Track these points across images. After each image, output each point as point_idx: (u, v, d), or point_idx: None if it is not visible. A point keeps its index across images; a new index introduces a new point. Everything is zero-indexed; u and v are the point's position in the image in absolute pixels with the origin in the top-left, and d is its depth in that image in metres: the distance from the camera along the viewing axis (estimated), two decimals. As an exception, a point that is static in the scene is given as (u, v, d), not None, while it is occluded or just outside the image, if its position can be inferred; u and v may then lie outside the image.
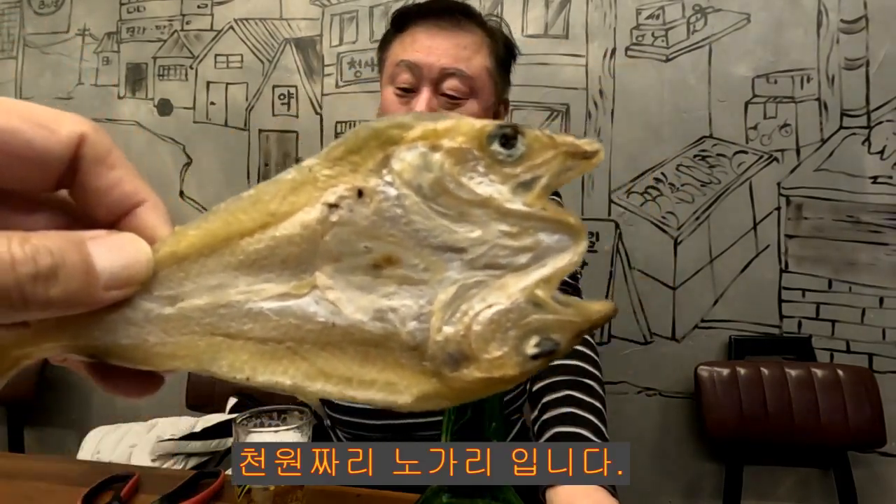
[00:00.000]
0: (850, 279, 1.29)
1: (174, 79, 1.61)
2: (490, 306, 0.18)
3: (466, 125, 0.19)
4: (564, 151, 0.19)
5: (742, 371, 1.21)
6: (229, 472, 0.65)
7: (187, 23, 1.61)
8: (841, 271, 1.29)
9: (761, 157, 1.33)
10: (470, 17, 0.82)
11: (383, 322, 0.19)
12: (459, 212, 0.19)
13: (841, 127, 1.30)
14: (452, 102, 0.79)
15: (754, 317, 1.32)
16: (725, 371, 1.22)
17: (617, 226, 1.37)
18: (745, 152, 1.33)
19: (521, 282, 0.18)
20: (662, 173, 1.36)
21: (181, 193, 1.60)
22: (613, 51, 1.39)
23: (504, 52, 0.86)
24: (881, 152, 1.29)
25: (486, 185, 0.19)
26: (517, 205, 0.18)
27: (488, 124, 0.19)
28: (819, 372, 1.20)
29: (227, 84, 1.58)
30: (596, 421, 0.66)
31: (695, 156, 1.35)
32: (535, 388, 0.70)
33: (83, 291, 0.17)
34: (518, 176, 0.19)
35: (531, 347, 0.18)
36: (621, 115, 1.38)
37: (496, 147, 0.18)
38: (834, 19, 1.30)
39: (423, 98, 0.77)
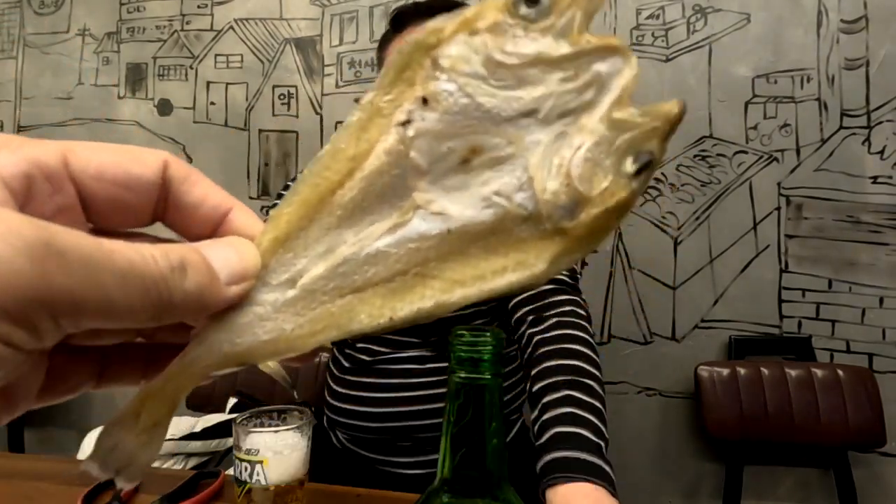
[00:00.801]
0: (850, 279, 1.29)
1: (174, 79, 1.61)
2: (579, 147, 0.19)
3: (490, 3, 0.19)
4: None
5: (742, 371, 1.21)
6: (229, 472, 0.65)
7: (187, 23, 1.61)
8: (841, 271, 1.29)
9: (761, 157, 1.33)
10: None
11: (492, 207, 0.19)
12: (517, 78, 0.19)
13: (841, 127, 1.30)
14: None
15: (754, 317, 1.32)
16: (725, 371, 1.22)
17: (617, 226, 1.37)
18: (746, 152, 1.33)
19: (596, 114, 0.19)
20: (662, 173, 1.36)
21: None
22: (613, 51, 1.39)
23: None
24: (881, 152, 1.29)
25: (530, 45, 0.19)
26: (564, 49, 0.19)
27: None
28: (819, 372, 1.20)
29: (227, 84, 1.58)
30: (596, 421, 0.66)
31: (695, 156, 1.35)
32: (535, 389, 0.70)
33: (211, 286, 0.18)
34: (554, 25, 0.19)
35: (630, 165, 0.18)
36: (621, 115, 1.38)
37: (524, 10, 0.19)
38: (834, 19, 1.30)
39: None
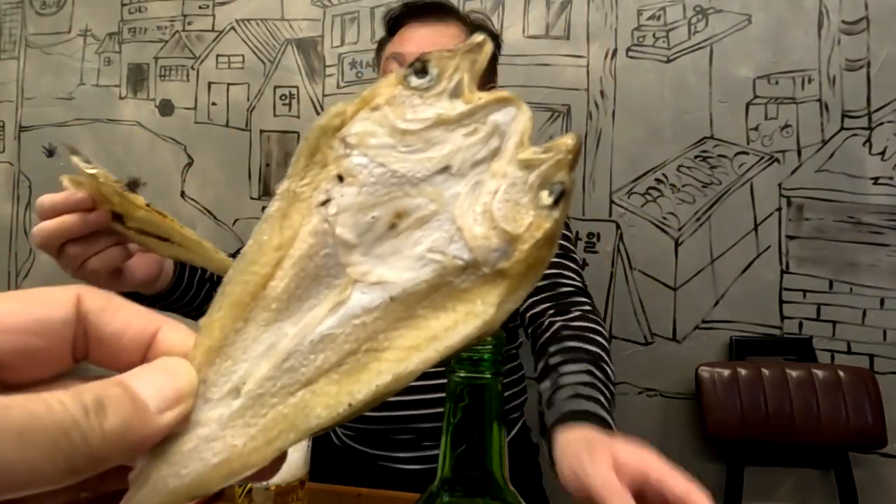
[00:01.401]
0: (850, 280, 1.29)
1: (175, 79, 1.61)
2: (496, 191, 0.20)
3: (385, 80, 0.21)
4: (464, 52, 0.21)
5: (743, 372, 1.21)
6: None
7: (189, 23, 1.61)
8: (842, 272, 1.29)
9: (762, 157, 1.33)
10: (451, 13, 0.90)
11: (429, 264, 0.19)
12: (424, 141, 0.20)
13: (842, 128, 1.30)
14: None
15: (755, 317, 1.32)
16: (726, 372, 1.22)
17: (618, 226, 1.37)
18: (746, 153, 1.33)
19: (504, 159, 0.20)
20: (663, 174, 1.36)
21: (182, 194, 1.60)
22: (614, 51, 1.39)
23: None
24: (882, 153, 1.29)
25: (428, 110, 0.20)
26: (460, 108, 0.20)
27: (399, 70, 0.21)
28: (820, 373, 1.19)
29: (229, 84, 1.58)
30: (607, 399, 0.66)
31: (696, 156, 1.35)
32: (552, 361, 0.71)
33: (137, 419, 0.16)
34: (445, 89, 0.20)
35: (547, 198, 0.19)
36: (622, 115, 1.38)
37: (415, 81, 0.20)
38: (835, 20, 1.30)
39: None
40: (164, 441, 0.18)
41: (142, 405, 0.17)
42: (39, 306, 0.18)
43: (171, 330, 0.19)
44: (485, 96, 0.20)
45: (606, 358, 0.72)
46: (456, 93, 0.20)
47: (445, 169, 0.20)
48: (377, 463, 0.86)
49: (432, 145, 0.20)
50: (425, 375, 0.71)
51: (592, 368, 0.69)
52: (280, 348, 0.19)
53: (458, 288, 0.19)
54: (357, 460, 0.88)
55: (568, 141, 0.19)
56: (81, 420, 0.15)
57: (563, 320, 0.76)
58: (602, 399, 0.64)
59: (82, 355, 0.19)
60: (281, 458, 0.19)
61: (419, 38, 0.85)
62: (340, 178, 0.20)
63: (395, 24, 0.90)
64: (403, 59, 0.83)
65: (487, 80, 0.95)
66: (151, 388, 0.17)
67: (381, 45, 0.95)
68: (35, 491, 0.14)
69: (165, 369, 0.18)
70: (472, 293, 0.19)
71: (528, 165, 0.20)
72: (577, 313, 0.77)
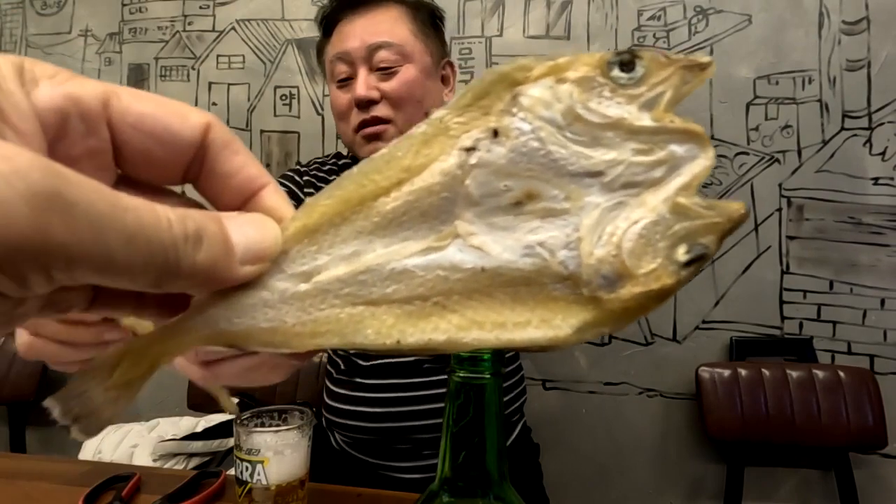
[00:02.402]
0: (851, 280, 1.29)
1: (176, 79, 1.62)
2: (636, 222, 0.18)
3: (586, 56, 0.19)
4: (681, 66, 0.19)
5: (743, 372, 1.21)
6: (231, 472, 0.65)
7: (189, 24, 1.61)
8: (842, 272, 1.29)
9: (762, 158, 1.33)
10: None
11: (532, 257, 0.18)
12: (592, 136, 0.19)
13: (842, 128, 1.30)
14: (388, 73, 0.81)
15: (755, 318, 1.32)
16: (726, 372, 1.22)
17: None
18: (747, 153, 1.33)
19: (661, 194, 0.18)
20: (663, 174, 1.36)
21: (183, 194, 1.60)
22: (615, 52, 1.39)
23: (427, 16, 0.87)
24: (882, 154, 1.29)
25: (614, 108, 0.19)
26: (646, 121, 0.19)
27: (607, 53, 0.19)
28: (820, 373, 1.19)
29: (229, 85, 1.58)
30: None
31: (696, 157, 1.35)
32: None
33: (224, 261, 0.17)
34: (642, 95, 0.19)
35: (682, 255, 0.18)
36: (622, 116, 1.38)
37: (617, 73, 0.19)
38: (835, 20, 1.30)
39: (360, 78, 0.80)
40: (232, 286, 0.18)
41: (230, 251, 0.17)
42: (175, 118, 0.18)
43: (275, 191, 0.20)
44: (678, 122, 0.19)
45: None
46: (651, 105, 0.19)
47: (598, 174, 0.19)
48: (377, 471, 0.86)
49: (599, 145, 0.19)
50: (423, 385, 0.71)
51: None
52: (363, 260, 0.19)
53: (548, 293, 0.19)
54: (356, 467, 0.88)
55: (736, 208, 0.18)
56: (181, 244, 0.16)
57: None
58: None
59: (192, 178, 0.19)
60: (312, 353, 0.20)
61: (359, 30, 0.81)
62: (495, 133, 0.19)
63: (329, 23, 0.86)
64: (350, 57, 0.80)
65: (441, 54, 0.93)
66: (243, 237, 0.18)
67: (320, 50, 0.89)
68: (117, 286, 0.15)
69: (259, 225, 0.18)
70: (557, 304, 0.19)
71: (681, 212, 0.18)
72: None
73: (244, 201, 0.20)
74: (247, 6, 1.57)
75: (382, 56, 0.80)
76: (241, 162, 0.19)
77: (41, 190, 0.13)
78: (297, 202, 0.87)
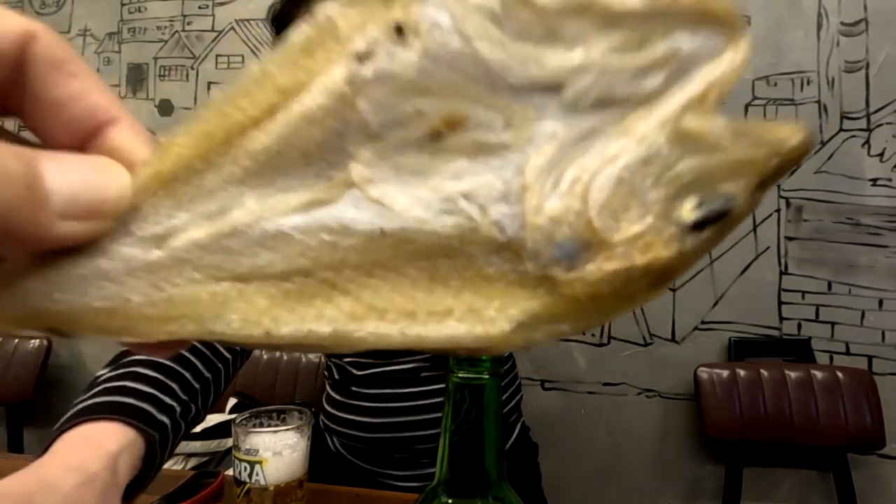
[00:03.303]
0: (849, 281, 1.29)
1: (175, 79, 1.61)
2: (614, 159, 0.12)
3: None
4: None
5: (742, 372, 1.21)
6: (229, 472, 0.65)
7: (188, 23, 1.61)
8: (840, 273, 1.29)
9: (761, 159, 1.33)
10: None
11: (454, 215, 0.13)
12: (546, 28, 0.12)
13: (841, 129, 1.30)
14: None
15: (754, 318, 1.32)
16: (725, 372, 1.22)
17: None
18: (745, 154, 1.34)
19: (656, 114, 0.12)
20: (662, 175, 1.36)
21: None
22: (614, 52, 1.39)
23: None
24: (881, 155, 1.29)
25: None
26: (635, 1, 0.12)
27: None
28: (818, 374, 1.20)
29: (229, 85, 1.58)
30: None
31: (695, 157, 1.35)
32: None
33: (26, 209, 0.12)
34: None
35: (689, 211, 0.12)
36: (621, 116, 1.38)
37: None
38: (834, 22, 1.31)
39: None
40: (56, 251, 0.14)
41: (40, 197, 0.13)
42: None
43: (127, 130, 0.15)
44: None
45: None
46: None
47: (556, 87, 0.12)
48: (374, 478, 0.86)
49: (556, 42, 0.12)
50: (420, 395, 0.69)
51: None
52: (229, 218, 0.14)
53: (478, 269, 0.13)
54: (354, 471, 0.87)
55: (786, 133, 0.12)
56: None
57: None
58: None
59: (13, 109, 0.14)
60: (169, 345, 0.15)
61: None
62: (399, 31, 0.13)
63: (280, 23, 0.76)
64: None
65: None
66: (66, 183, 0.13)
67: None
68: None
69: (97, 169, 0.14)
70: (492, 287, 0.13)
71: (690, 141, 0.12)
72: None
73: (85, 138, 0.15)
74: (246, 6, 1.57)
75: None
76: (79, 89, 0.14)
77: None
78: None
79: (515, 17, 0.12)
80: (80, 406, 0.47)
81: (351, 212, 0.13)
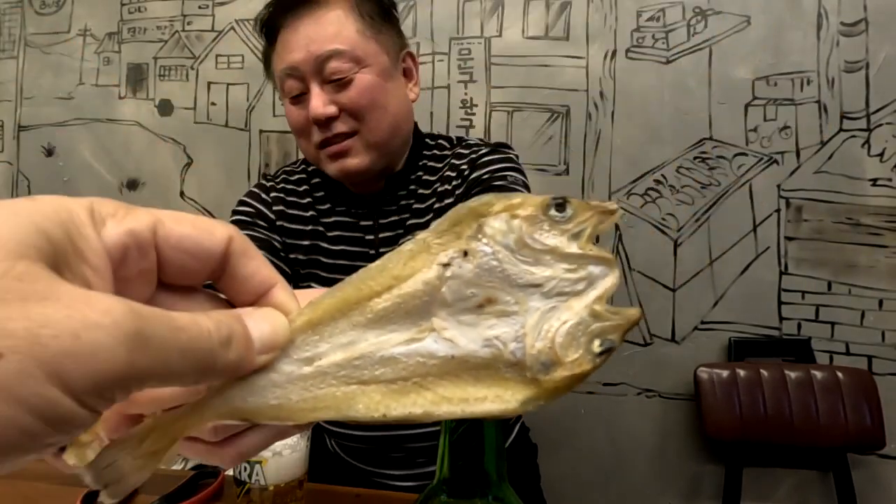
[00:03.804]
0: (849, 281, 1.29)
1: (175, 79, 1.61)
2: (565, 322, 0.24)
3: (532, 200, 0.25)
4: (598, 210, 0.25)
5: (742, 373, 1.21)
6: (229, 472, 0.65)
7: (188, 23, 1.61)
8: (840, 273, 1.29)
9: (761, 159, 1.33)
10: None
11: (490, 347, 0.24)
12: (535, 258, 0.25)
13: (841, 129, 1.30)
14: (342, 84, 0.75)
15: (754, 318, 1.32)
16: (725, 373, 1.22)
17: (617, 227, 1.38)
18: (745, 154, 1.34)
19: (582, 301, 0.24)
20: (662, 175, 1.36)
21: (182, 194, 1.60)
22: (614, 52, 1.39)
23: (375, 6, 0.80)
24: (881, 155, 1.29)
25: (551, 238, 0.25)
26: (573, 249, 0.25)
27: (547, 198, 0.25)
28: (818, 374, 1.20)
29: (228, 84, 1.58)
30: None
31: (695, 158, 1.35)
32: None
33: (248, 356, 0.21)
34: (571, 230, 0.25)
35: (597, 347, 0.23)
36: (621, 116, 1.39)
37: (554, 212, 0.25)
38: (834, 22, 1.31)
39: (314, 96, 0.75)
40: None
41: (251, 346, 0.21)
42: (205, 236, 0.22)
43: (283, 290, 0.24)
44: (595, 251, 0.25)
45: None
46: (577, 236, 0.25)
47: (538, 286, 0.24)
48: (371, 478, 0.86)
49: (540, 265, 0.25)
50: None
51: None
52: (357, 348, 0.23)
53: (502, 375, 0.24)
54: (351, 472, 0.88)
55: (634, 313, 0.24)
56: (218, 349, 0.19)
57: None
58: None
59: (215, 279, 0.23)
60: (308, 425, 0.24)
61: (303, 40, 0.75)
62: (465, 253, 0.24)
63: (270, 29, 0.80)
64: (299, 72, 0.75)
65: (398, 47, 0.88)
66: (258, 332, 0.22)
67: (267, 59, 0.82)
68: (170, 386, 0.19)
69: (272, 320, 0.22)
70: (509, 383, 0.23)
71: (596, 315, 0.24)
72: None
73: (258, 297, 0.24)
74: (246, 6, 1.57)
75: (333, 67, 0.74)
76: (256, 266, 0.23)
77: (131, 332, 0.16)
78: (265, 223, 0.84)
79: (521, 252, 0.24)
80: None
81: (433, 346, 0.24)
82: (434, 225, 0.25)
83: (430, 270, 0.24)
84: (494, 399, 0.23)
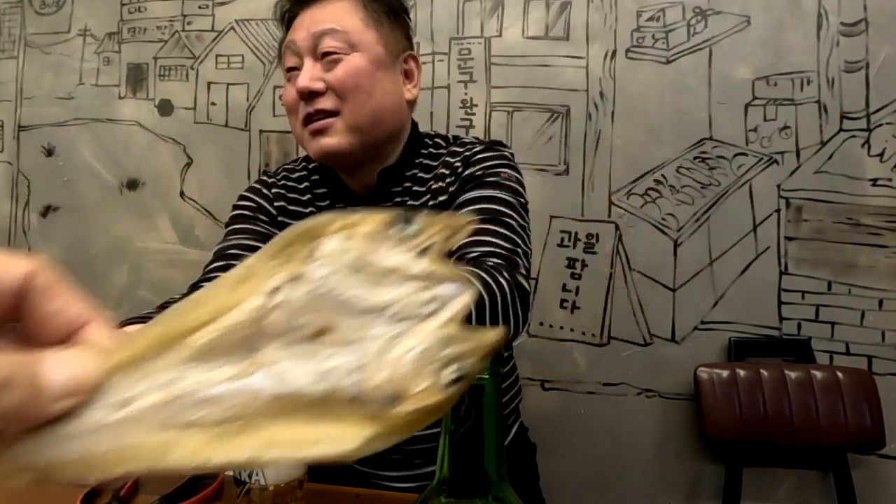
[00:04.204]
0: (849, 281, 1.29)
1: (175, 79, 1.61)
2: (410, 350, 0.22)
3: (374, 216, 0.23)
4: (446, 223, 0.24)
5: (742, 373, 1.21)
6: (229, 472, 0.65)
7: (188, 23, 1.61)
8: (840, 273, 1.29)
9: (761, 159, 1.33)
10: None
11: (325, 382, 0.21)
12: (378, 279, 0.23)
13: (841, 129, 1.30)
14: (333, 60, 0.77)
15: (754, 318, 1.32)
16: (725, 373, 1.22)
17: (617, 227, 1.38)
18: (745, 154, 1.34)
19: (431, 325, 0.22)
20: (662, 175, 1.36)
21: (181, 194, 1.60)
22: (614, 52, 1.39)
23: (383, 6, 0.83)
24: (881, 155, 1.29)
25: (394, 257, 0.23)
26: (419, 267, 0.23)
27: (390, 212, 0.23)
28: (818, 374, 1.20)
29: (228, 84, 1.58)
30: None
31: (695, 158, 1.35)
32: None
33: (31, 402, 0.18)
34: (417, 246, 0.23)
35: (448, 375, 0.21)
36: (621, 116, 1.39)
37: (397, 228, 0.23)
38: (834, 22, 1.31)
39: (305, 69, 0.77)
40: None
41: (40, 391, 0.19)
42: None
43: (99, 328, 0.22)
44: (444, 269, 0.23)
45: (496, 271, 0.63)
46: (424, 254, 0.23)
47: (382, 310, 0.22)
48: (369, 479, 0.86)
49: (382, 286, 0.22)
50: None
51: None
52: (175, 388, 0.21)
53: (339, 412, 0.21)
54: (348, 473, 0.87)
55: (492, 336, 0.22)
56: None
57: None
58: None
59: (17, 319, 0.21)
60: (120, 478, 0.21)
61: (308, 22, 0.79)
62: (296, 278, 0.22)
63: (285, 18, 0.85)
64: (296, 47, 0.79)
65: (401, 47, 0.90)
66: (58, 375, 0.19)
67: (282, 44, 0.86)
68: None
69: (74, 362, 0.20)
70: (348, 422, 0.21)
71: (447, 340, 0.22)
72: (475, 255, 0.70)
73: (68, 336, 0.21)
74: (246, 6, 1.57)
75: (327, 43, 0.77)
76: (64, 303, 0.21)
77: None
78: (267, 217, 0.86)
79: (360, 274, 0.22)
80: (129, 318, 0.54)
81: (261, 382, 0.21)
82: (265, 247, 0.23)
83: (257, 298, 0.22)
84: (332, 441, 0.21)
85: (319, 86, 0.77)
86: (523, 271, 0.70)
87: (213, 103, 1.59)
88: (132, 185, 1.63)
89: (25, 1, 1.70)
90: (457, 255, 0.70)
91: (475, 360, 0.22)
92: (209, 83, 1.59)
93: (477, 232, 0.72)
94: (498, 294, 0.62)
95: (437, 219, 0.24)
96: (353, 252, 0.23)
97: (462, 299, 0.23)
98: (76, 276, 0.21)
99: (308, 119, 0.79)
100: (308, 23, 0.79)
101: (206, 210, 1.59)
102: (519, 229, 0.75)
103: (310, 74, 0.77)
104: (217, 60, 1.59)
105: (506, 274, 0.64)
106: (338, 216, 0.23)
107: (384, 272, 0.23)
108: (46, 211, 1.68)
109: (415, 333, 0.22)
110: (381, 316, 0.22)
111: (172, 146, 1.61)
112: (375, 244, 0.23)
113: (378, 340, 0.22)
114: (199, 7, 1.60)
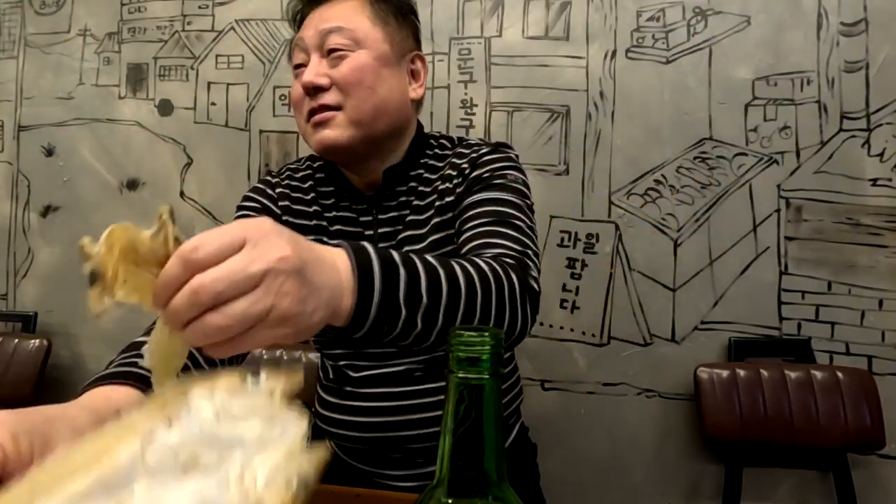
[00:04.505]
0: (849, 281, 1.29)
1: (175, 79, 1.61)
2: (265, 468, 0.28)
3: (230, 376, 0.31)
4: (287, 375, 0.32)
5: (742, 373, 1.21)
6: None
7: (188, 23, 1.61)
8: (840, 273, 1.29)
9: (761, 159, 1.33)
10: None
11: None
12: (235, 419, 0.29)
13: (840, 129, 1.30)
14: (339, 57, 0.78)
15: (754, 318, 1.32)
16: (725, 373, 1.22)
17: (617, 227, 1.38)
18: (745, 154, 1.34)
19: (278, 450, 0.29)
20: (662, 175, 1.36)
21: (182, 194, 1.60)
22: (614, 52, 1.39)
23: (391, 5, 0.84)
24: (881, 155, 1.29)
25: (248, 401, 0.30)
26: (268, 408, 0.30)
27: (242, 373, 0.31)
28: (818, 374, 1.20)
29: (228, 84, 1.58)
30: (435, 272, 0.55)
31: (695, 157, 1.35)
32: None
33: None
34: (265, 392, 0.31)
35: (294, 483, 0.28)
36: (621, 116, 1.39)
37: (249, 381, 0.31)
38: (834, 22, 1.31)
39: (311, 64, 0.79)
40: None
41: None
42: None
43: None
44: (285, 408, 0.31)
45: (471, 271, 0.57)
46: (271, 397, 0.31)
47: (240, 441, 0.28)
48: (371, 479, 0.86)
49: (241, 423, 0.29)
50: (415, 394, 0.72)
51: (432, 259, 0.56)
52: None
53: None
54: (350, 473, 0.87)
55: (321, 453, 0.29)
56: None
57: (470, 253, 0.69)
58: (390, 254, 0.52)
59: None
60: None
61: (316, 20, 0.80)
62: (169, 422, 0.28)
63: (299, 17, 0.86)
64: (304, 44, 0.80)
65: (408, 47, 0.85)
66: None
67: (292, 41, 0.87)
68: None
69: None
70: None
71: (291, 460, 0.28)
72: (490, 255, 0.67)
73: None
74: (246, 6, 1.57)
75: (334, 40, 0.78)
76: None
77: None
78: (271, 217, 0.84)
79: (221, 416, 0.30)
80: (98, 375, 0.55)
81: None
82: (141, 407, 0.28)
83: (133, 442, 0.26)
84: None
85: (324, 81, 0.78)
86: (534, 273, 0.70)
87: (213, 103, 1.59)
88: (132, 185, 1.63)
89: (25, 1, 1.70)
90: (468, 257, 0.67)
91: (311, 471, 0.28)
92: (209, 83, 1.60)
93: (487, 234, 0.72)
94: (506, 287, 0.60)
95: (279, 372, 0.32)
96: (217, 401, 0.29)
97: (300, 429, 0.30)
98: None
99: (311, 112, 0.79)
100: (317, 21, 0.80)
101: (206, 210, 1.59)
102: (528, 231, 0.74)
103: (315, 70, 0.78)
104: (217, 60, 1.59)
105: (516, 274, 0.63)
106: (202, 378, 0.31)
107: (241, 414, 0.29)
108: (46, 211, 1.68)
109: (268, 456, 0.28)
110: (239, 446, 0.28)
111: (172, 146, 1.61)
112: (234, 394, 0.30)
113: (237, 465, 0.27)
114: (199, 7, 1.60)
